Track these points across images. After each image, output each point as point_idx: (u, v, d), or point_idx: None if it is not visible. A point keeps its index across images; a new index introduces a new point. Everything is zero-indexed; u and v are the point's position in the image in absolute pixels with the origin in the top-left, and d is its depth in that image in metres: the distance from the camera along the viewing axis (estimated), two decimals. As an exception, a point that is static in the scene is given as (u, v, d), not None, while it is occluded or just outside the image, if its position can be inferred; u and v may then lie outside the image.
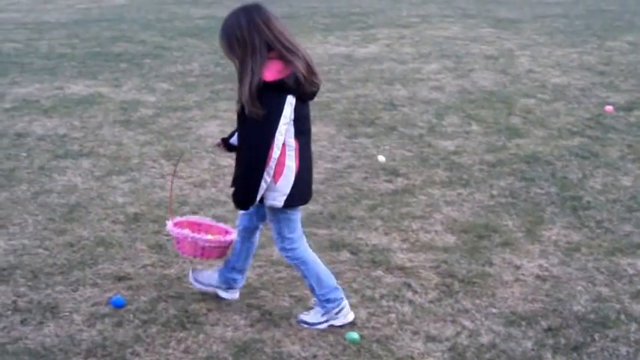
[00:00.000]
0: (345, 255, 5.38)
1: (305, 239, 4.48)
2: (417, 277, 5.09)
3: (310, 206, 6.21)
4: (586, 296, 4.89)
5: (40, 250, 5.43)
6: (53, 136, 8.01)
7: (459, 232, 5.78)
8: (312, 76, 4.15)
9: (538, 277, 5.14)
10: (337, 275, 5.04)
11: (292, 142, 4.13)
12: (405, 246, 5.55)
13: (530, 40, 14.12)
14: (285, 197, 4.19)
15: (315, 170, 6.89)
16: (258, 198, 4.13)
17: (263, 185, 4.10)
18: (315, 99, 8.76)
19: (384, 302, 4.77)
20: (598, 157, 7.57)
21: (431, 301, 4.79)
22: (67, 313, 4.59)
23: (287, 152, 4.12)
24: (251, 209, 4.34)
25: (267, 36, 4.03)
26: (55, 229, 5.80)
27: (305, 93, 4.14)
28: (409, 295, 4.86)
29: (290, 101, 4.05)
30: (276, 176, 4.13)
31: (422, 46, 13.31)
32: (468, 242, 5.62)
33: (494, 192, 6.62)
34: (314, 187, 6.52)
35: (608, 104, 9.44)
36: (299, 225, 4.43)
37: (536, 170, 7.17)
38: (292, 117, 4.09)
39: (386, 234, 5.75)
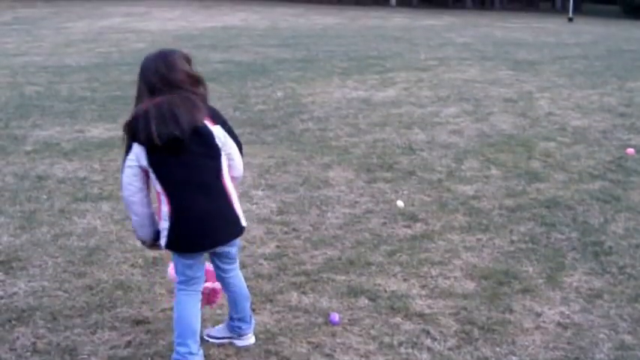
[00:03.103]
0: (363, 301, 5.34)
1: (191, 291, 4.38)
2: (436, 323, 5.04)
3: (328, 252, 6.21)
4: (609, 344, 4.83)
5: (60, 293, 5.43)
6: (73, 179, 8.04)
7: (479, 279, 5.74)
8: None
9: (559, 324, 5.08)
10: (355, 322, 5.04)
11: (159, 188, 4.16)
12: (424, 292, 5.51)
13: (550, 82, 14.14)
14: (165, 239, 4.23)
15: (332, 215, 6.99)
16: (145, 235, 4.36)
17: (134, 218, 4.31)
18: (333, 143, 8.76)
19: (402, 349, 4.72)
20: (620, 201, 7.52)
21: (450, 349, 4.74)
22: (85, 356, 4.58)
23: (160, 197, 4.18)
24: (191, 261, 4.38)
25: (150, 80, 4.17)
26: (74, 271, 5.80)
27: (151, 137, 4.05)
28: (428, 342, 4.82)
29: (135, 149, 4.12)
30: (158, 218, 4.26)
31: (440, 90, 13.35)
32: (487, 289, 5.57)
33: (515, 237, 6.58)
34: (332, 232, 6.60)
35: (630, 147, 9.42)
36: (190, 272, 4.35)
37: (556, 215, 7.12)
38: (142, 163, 4.11)
39: (405, 280, 5.71)
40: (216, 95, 12.51)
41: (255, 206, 7.23)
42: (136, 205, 4.23)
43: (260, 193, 7.63)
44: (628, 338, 4.90)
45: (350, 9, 42.52)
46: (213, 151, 4.14)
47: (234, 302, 4.65)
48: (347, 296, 5.41)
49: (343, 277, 5.73)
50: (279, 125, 10.54)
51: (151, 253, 6.08)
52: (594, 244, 6.44)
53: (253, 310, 5.08)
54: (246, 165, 8.36)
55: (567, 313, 5.22)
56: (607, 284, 5.70)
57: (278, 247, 6.32)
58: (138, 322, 5.00)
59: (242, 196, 7.48)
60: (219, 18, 31.01)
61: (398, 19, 33.52)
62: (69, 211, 7.08)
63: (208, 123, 4.11)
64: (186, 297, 4.36)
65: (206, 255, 4.42)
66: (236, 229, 4.33)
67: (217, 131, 4.14)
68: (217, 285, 4.69)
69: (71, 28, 25.22)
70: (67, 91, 13.04)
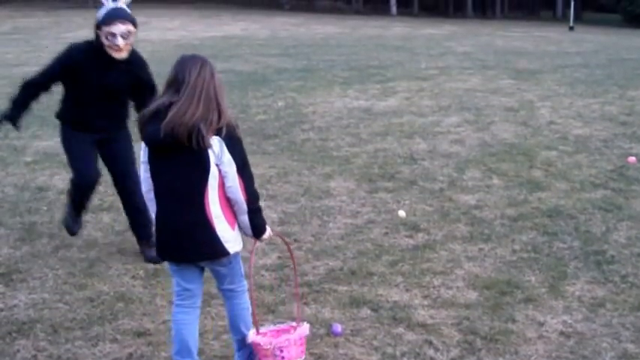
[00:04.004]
0: (365, 312, 5.32)
1: (188, 308, 4.34)
2: (438, 334, 5.02)
3: (330, 262, 6.19)
4: (611, 353, 4.81)
5: (60, 305, 5.42)
6: (74, 190, 8.02)
7: (481, 288, 5.72)
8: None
9: (562, 333, 5.06)
10: (358, 332, 5.01)
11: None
12: (426, 302, 5.49)
13: (551, 91, 14.12)
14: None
15: (334, 225, 6.97)
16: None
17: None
18: (334, 153, 8.71)
19: (405, 360, 4.71)
20: (622, 210, 7.50)
21: (453, 359, 4.72)
22: (86, 370, 4.57)
23: None
24: None
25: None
26: (75, 283, 5.79)
27: (143, 135, 4.13)
28: (431, 352, 4.80)
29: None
30: None
31: (441, 99, 13.33)
32: (490, 298, 5.55)
33: (517, 247, 6.56)
34: (333, 242, 6.58)
35: (631, 155, 9.39)
36: (178, 283, 4.32)
37: (558, 224, 7.10)
38: (144, 159, 4.19)
39: (407, 290, 5.69)
40: (217, 105, 12.49)
41: (256, 217, 7.21)
42: (148, 202, 4.29)
43: (261, 203, 7.58)
44: (631, 347, 4.88)
45: (350, 18, 42.57)
46: (201, 163, 4.01)
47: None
48: (349, 307, 5.39)
49: (345, 288, 5.71)
50: (280, 135, 10.54)
51: (152, 265, 6.07)
52: (596, 253, 6.42)
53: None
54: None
55: (570, 322, 5.20)
56: (609, 293, 5.68)
57: (279, 257, 6.29)
58: (139, 334, 4.99)
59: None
60: (219, 27, 31.03)
61: (398, 29, 33.56)
62: (70, 222, 7.06)
63: (209, 134, 3.99)
64: (183, 315, 4.33)
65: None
66: (208, 251, 4.14)
67: (213, 143, 4.00)
68: (268, 343, 4.29)
69: (71, 38, 25.13)
70: (68, 101, 13.03)
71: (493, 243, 6.66)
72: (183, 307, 4.32)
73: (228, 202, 4.11)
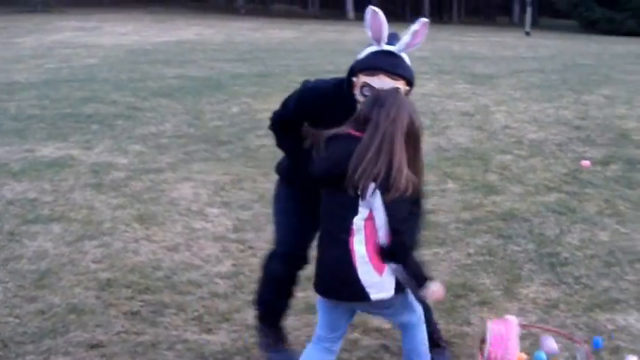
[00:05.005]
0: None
1: (320, 348, 4.12)
2: (394, 338, 5.00)
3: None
4: (566, 353, 4.83)
5: (10, 319, 5.30)
6: (23, 200, 7.86)
7: (436, 292, 5.71)
8: None
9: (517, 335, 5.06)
10: (311, 338, 4.97)
11: None
12: (381, 307, 5.46)
13: (506, 96, 14.19)
14: None
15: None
16: None
17: None
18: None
19: (361, 366, 4.68)
20: (575, 213, 7.56)
21: (409, 364, 4.71)
22: (35, 384, 4.49)
23: None
24: None
25: None
26: (25, 296, 5.67)
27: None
28: (387, 357, 4.79)
29: None
30: None
31: (397, 104, 13.31)
32: (445, 302, 5.51)
33: (471, 250, 6.57)
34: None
35: (585, 159, 9.47)
36: (322, 327, 4.11)
37: (513, 227, 7.13)
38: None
39: (362, 295, 5.66)
40: (171, 112, 12.40)
41: (210, 224, 7.16)
42: None
43: (215, 210, 7.55)
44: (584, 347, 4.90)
45: (307, 22, 42.53)
46: (351, 203, 3.74)
47: None
48: (304, 312, 5.36)
49: (301, 294, 5.63)
50: (234, 141, 10.46)
51: (105, 275, 5.98)
52: (550, 256, 6.46)
53: (210, 330, 5.02)
54: (200, 183, 8.33)
55: (525, 324, 5.21)
56: (563, 294, 5.71)
57: (234, 265, 6.24)
58: (92, 347, 4.91)
59: (196, 214, 7.41)
60: (173, 32, 30.78)
61: (356, 33, 33.59)
62: (18, 233, 6.92)
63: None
64: (313, 351, 4.10)
65: None
66: (349, 291, 3.83)
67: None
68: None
69: (20, 44, 24.85)
70: (15, 109, 12.75)
71: (448, 247, 6.66)
72: (318, 345, 4.11)
73: (378, 246, 3.83)
